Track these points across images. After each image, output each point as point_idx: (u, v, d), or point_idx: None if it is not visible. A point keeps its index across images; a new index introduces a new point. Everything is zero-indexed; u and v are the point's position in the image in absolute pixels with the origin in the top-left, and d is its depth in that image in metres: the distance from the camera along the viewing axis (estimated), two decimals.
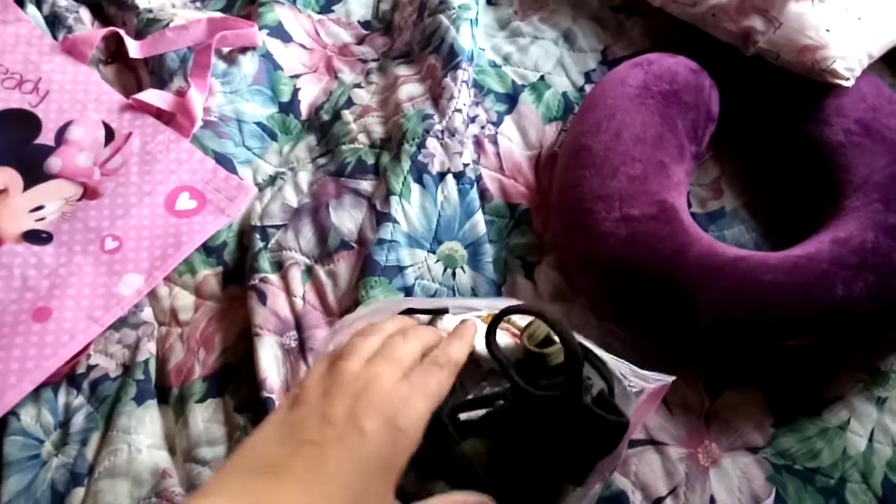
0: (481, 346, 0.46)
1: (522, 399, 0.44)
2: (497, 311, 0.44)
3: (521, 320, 0.49)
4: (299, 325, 0.64)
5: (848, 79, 0.60)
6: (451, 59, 0.73)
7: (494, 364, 0.45)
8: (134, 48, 0.79)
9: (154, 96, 0.76)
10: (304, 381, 0.41)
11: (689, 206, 0.67)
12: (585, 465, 0.45)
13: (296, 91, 0.80)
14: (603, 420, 0.43)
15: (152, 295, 0.69)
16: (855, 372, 0.59)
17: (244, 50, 0.80)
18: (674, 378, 0.47)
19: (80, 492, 0.60)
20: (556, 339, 0.44)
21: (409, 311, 0.50)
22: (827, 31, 0.60)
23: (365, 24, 0.86)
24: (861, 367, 0.59)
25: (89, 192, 0.71)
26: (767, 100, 0.65)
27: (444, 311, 0.50)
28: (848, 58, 0.60)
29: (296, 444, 0.37)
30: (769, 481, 0.56)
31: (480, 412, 0.47)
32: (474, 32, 0.76)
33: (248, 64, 0.79)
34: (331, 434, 0.37)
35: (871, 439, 0.56)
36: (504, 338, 0.49)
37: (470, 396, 0.49)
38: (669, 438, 0.58)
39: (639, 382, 0.46)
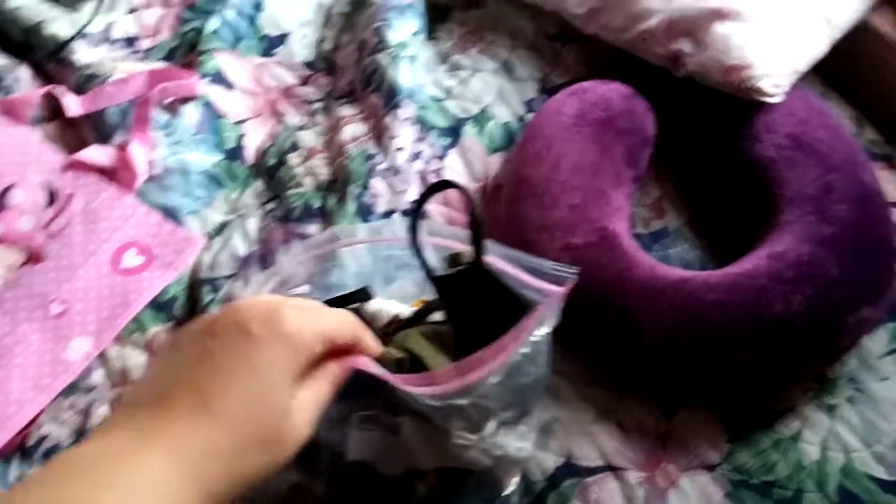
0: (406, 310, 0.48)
1: (443, 293, 0.47)
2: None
3: None
4: None
5: (774, 95, 0.61)
6: (391, 97, 0.74)
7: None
8: (72, 106, 0.79)
9: (96, 153, 0.76)
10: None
11: (634, 226, 0.67)
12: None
13: (241, 137, 0.80)
14: (508, 293, 0.45)
15: (102, 357, 0.68)
16: (804, 382, 0.59)
17: (186, 100, 0.80)
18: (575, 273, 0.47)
19: None
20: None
21: (335, 301, 0.50)
22: (751, 50, 0.62)
23: (308, 65, 0.87)
24: (809, 377, 0.59)
25: (33, 257, 0.70)
26: (702, 119, 0.67)
27: (368, 296, 0.51)
28: (774, 75, 0.61)
29: (178, 369, 0.36)
30: (727, 498, 0.56)
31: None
32: (414, 69, 0.77)
33: (191, 113, 0.79)
34: (215, 345, 0.36)
35: (824, 448, 0.57)
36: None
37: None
38: (627, 463, 0.58)
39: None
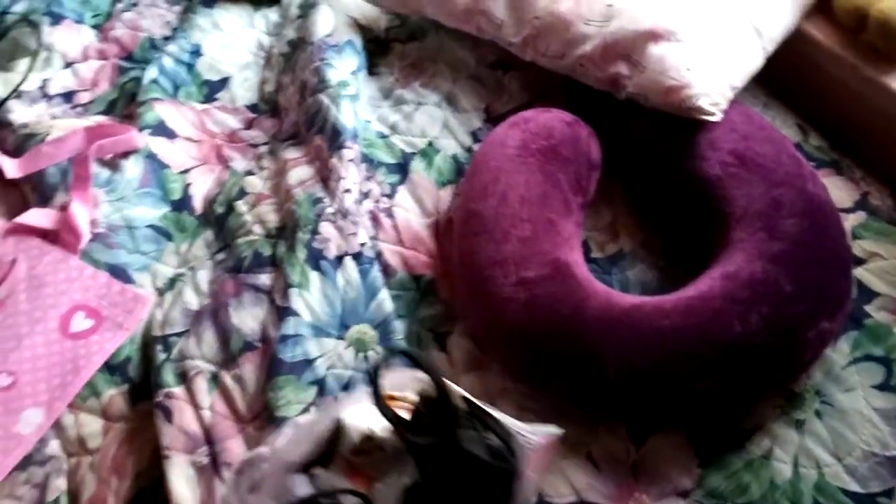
0: (381, 428, 0.45)
1: (418, 459, 0.45)
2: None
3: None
4: (210, 438, 0.61)
5: (714, 114, 0.61)
6: (335, 138, 0.73)
7: (398, 443, 0.44)
8: (11, 168, 0.76)
9: (37, 216, 0.74)
10: None
11: (590, 251, 0.67)
12: None
13: (187, 186, 0.78)
14: (489, 466, 0.43)
15: (57, 426, 0.66)
16: (771, 398, 0.59)
17: (127, 154, 0.78)
18: (562, 432, 0.48)
19: None
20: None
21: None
22: (688, 69, 0.62)
23: (252, 108, 0.85)
24: (776, 393, 0.59)
25: None
26: (647, 140, 0.67)
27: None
28: (711, 93, 0.61)
29: None
30: None
31: None
32: (356, 107, 0.76)
33: (133, 168, 0.77)
34: None
35: (795, 465, 0.57)
36: (401, 413, 0.48)
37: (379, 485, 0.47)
38: (599, 497, 0.57)
39: (530, 437, 0.47)
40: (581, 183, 0.64)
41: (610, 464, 0.58)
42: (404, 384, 0.47)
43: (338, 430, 0.47)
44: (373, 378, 0.45)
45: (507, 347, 0.59)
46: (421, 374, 0.46)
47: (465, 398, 0.46)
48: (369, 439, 0.46)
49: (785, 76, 0.72)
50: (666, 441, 0.58)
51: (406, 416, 0.47)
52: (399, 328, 0.65)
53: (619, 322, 0.55)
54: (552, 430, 0.47)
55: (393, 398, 0.47)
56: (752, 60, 0.65)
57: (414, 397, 0.47)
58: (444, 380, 0.45)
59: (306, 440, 0.46)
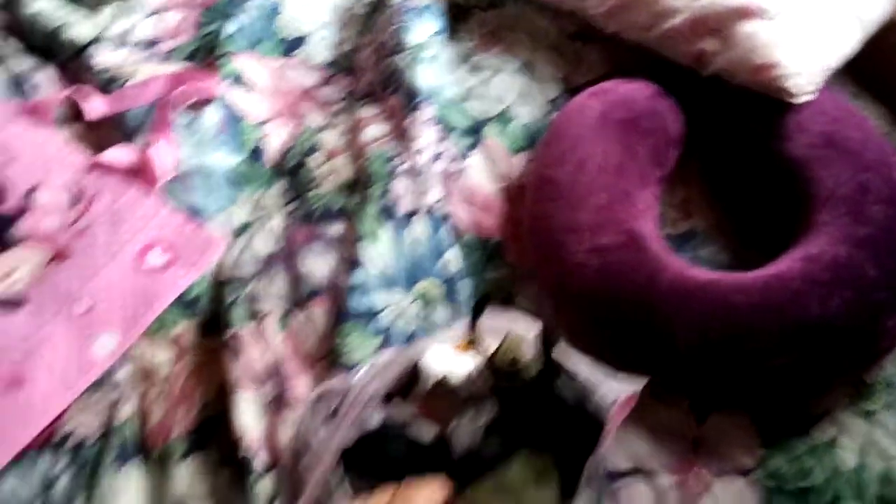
0: (454, 372, 0.46)
1: (506, 405, 0.44)
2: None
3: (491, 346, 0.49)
4: (277, 375, 0.63)
5: (804, 95, 0.60)
6: (411, 98, 0.73)
7: (471, 387, 0.45)
8: (91, 109, 0.79)
9: (119, 154, 0.76)
10: None
11: (663, 227, 0.66)
12: (571, 471, 0.44)
13: (262, 138, 0.80)
14: (579, 413, 0.43)
15: (128, 354, 0.68)
16: (841, 386, 0.58)
17: (208, 101, 0.80)
18: (644, 383, 0.48)
19: None
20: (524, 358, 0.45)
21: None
22: (779, 48, 0.61)
23: (328, 66, 0.86)
24: (847, 381, 0.58)
25: (59, 255, 0.70)
26: (730, 118, 0.66)
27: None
28: (803, 73, 0.60)
29: None
30: None
31: None
32: (434, 70, 0.76)
33: (211, 115, 0.79)
34: None
35: (862, 454, 0.56)
36: (473, 362, 0.48)
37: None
38: (659, 467, 0.57)
39: (614, 390, 0.47)
40: (659, 156, 0.63)
41: (671, 436, 0.58)
42: (495, 329, 0.47)
43: (414, 371, 0.48)
44: (473, 316, 0.45)
45: (576, 313, 0.59)
46: (513, 323, 0.47)
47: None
48: (442, 384, 0.47)
49: (875, 66, 0.70)
50: (730, 420, 0.58)
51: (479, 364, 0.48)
52: (465, 287, 0.66)
53: (693, 295, 0.54)
54: (634, 385, 0.47)
55: (472, 343, 0.47)
56: (847, 43, 0.64)
57: (494, 344, 0.48)
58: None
59: (383, 377, 0.47)
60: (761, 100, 0.63)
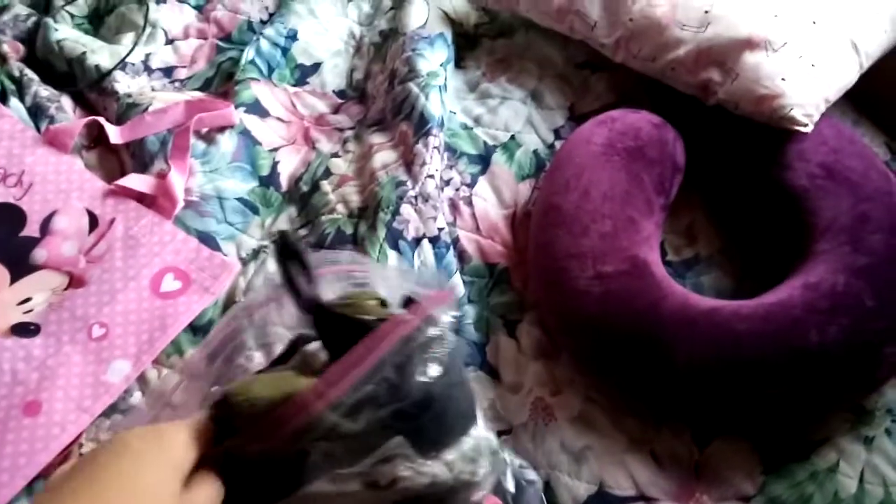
0: None
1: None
2: None
3: None
4: None
5: (807, 125, 0.61)
6: (421, 125, 0.75)
7: None
8: (114, 134, 0.81)
9: (136, 181, 0.78)
10: None
11: (665, 254, 0.68)
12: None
13: (275, 164, 0.82)
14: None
15: (141, 379, 0.70)
16: (841, 412, 0.59)
17: (222, 128, 0.82)
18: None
19: None
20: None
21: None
22: (783, 79, 0.62)
23: (340, 94, 0.89)
24: (846, 408, 0.59)
25: (75, 281, 0.72)
26: (733, 147, 0.67)
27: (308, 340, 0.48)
28: (805, 104, 0.62)
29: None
30: None
31: None
32: (444, 97, 0.78)
33: (227, 142, 0.81)
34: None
35: (861, 480, 0.56)
36: None
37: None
38: (660, 493, 0.58)
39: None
40: (664, 185, 0.65)
41: (673, 462, 0.59)
42: None
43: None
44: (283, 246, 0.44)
45: (579, 338, 0.60)
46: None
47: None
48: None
49: (877, 94, 0.71)
50: (730, 446, 0.59)
51: None
52: (470, 312, 0.67)
53: (695, 322, 0.55)
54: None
55: None
56: (847, 75, 0.65)
57: None
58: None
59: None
60: (764, 129, 0.64)
